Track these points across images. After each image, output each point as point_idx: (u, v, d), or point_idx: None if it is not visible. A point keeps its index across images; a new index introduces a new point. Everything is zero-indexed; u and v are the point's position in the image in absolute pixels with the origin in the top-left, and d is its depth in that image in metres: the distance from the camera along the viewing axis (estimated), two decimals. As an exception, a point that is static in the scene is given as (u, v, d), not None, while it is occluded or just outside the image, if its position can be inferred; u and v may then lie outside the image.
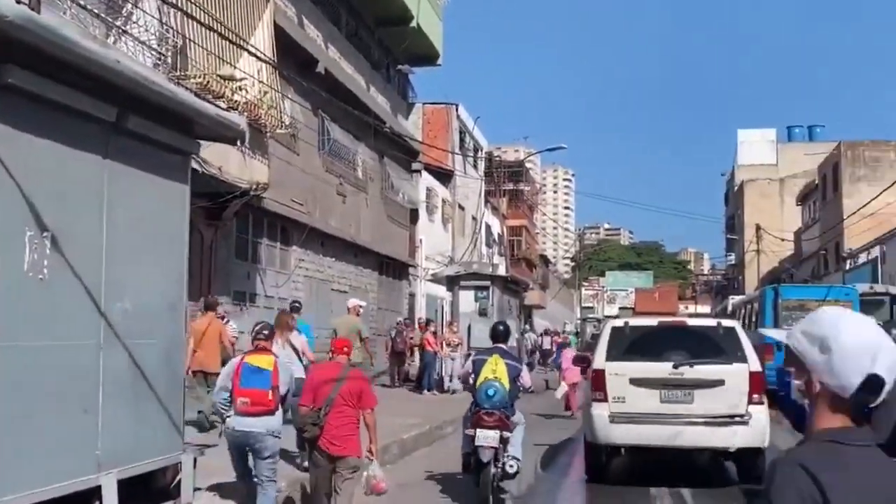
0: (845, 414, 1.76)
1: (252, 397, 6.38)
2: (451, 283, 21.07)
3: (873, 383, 1.71)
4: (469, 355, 11.05)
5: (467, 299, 20.80)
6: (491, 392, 7.84)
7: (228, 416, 6.52)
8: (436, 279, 22.59)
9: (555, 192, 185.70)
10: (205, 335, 10.67)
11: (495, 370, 7.98)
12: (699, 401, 8.82)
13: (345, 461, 6.26)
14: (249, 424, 6.39)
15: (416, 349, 20.05)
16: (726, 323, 10.12)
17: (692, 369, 8.86)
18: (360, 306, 14.43)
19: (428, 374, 18.67)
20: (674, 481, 9.06)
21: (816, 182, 42.43)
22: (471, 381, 8.19)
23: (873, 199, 28.91)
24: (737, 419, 8.70)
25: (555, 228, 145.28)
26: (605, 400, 8.99)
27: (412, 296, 26.03)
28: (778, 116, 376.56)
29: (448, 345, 19.08)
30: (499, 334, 8.63)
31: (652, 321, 10.35)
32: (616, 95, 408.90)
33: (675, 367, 8.90)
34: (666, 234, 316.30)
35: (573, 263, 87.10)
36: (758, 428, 8.69)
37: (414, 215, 26.31)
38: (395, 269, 24.52)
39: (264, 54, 14.02)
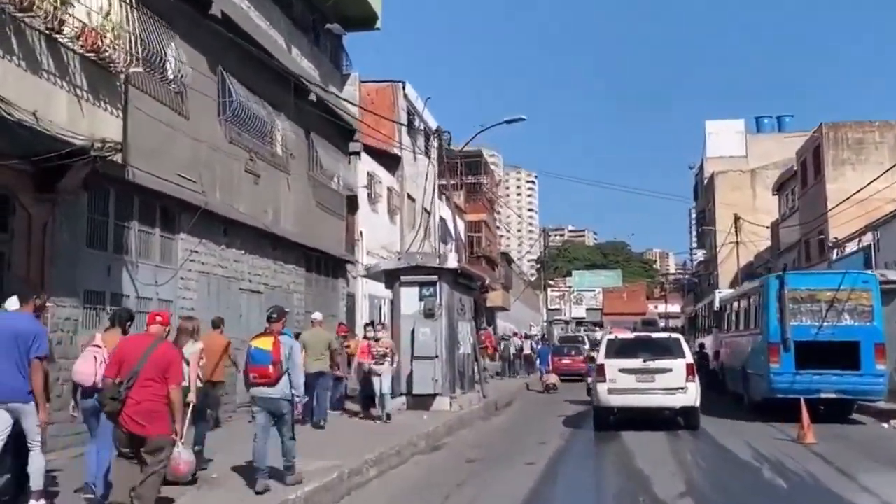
0: None
1: (258, 372, 7.94)
2: (390, 278, 17.30)
3: None
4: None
5: (410, 298, 17.00)
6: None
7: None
8: (369, 275, 18.72)
9: (518, 194, 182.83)
10: None
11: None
12: (658, 380, 14.32)
13: (149, 442, 6.03)
14: (263, 392, 7.95)
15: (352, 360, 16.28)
16: (674, 336, 16.04)
17: (654, 362, 14.42)
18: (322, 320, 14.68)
19: (338, 393, 15.23)
20: (645, 428, 14.21)
21: (795, 169, 39.66)
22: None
23: (869, 183, 26.02)
24: (679, 390, 14.23)
25: (519, 228, 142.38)
26: (605, 381, 14.45)
27: (351, 296, 22.31)
28: (745, 108, 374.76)
29: (373, 356, 14.43)
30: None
31: (630, 335, 16.76)
32: (576, 91, 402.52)
33: (644, 361, 14.46)
34: (630, 235, 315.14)
35: (538, 265, 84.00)
36: (691, 395, 14.27)
37: (352, 204, 22.64)
38: (330, 265, 20.81)
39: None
